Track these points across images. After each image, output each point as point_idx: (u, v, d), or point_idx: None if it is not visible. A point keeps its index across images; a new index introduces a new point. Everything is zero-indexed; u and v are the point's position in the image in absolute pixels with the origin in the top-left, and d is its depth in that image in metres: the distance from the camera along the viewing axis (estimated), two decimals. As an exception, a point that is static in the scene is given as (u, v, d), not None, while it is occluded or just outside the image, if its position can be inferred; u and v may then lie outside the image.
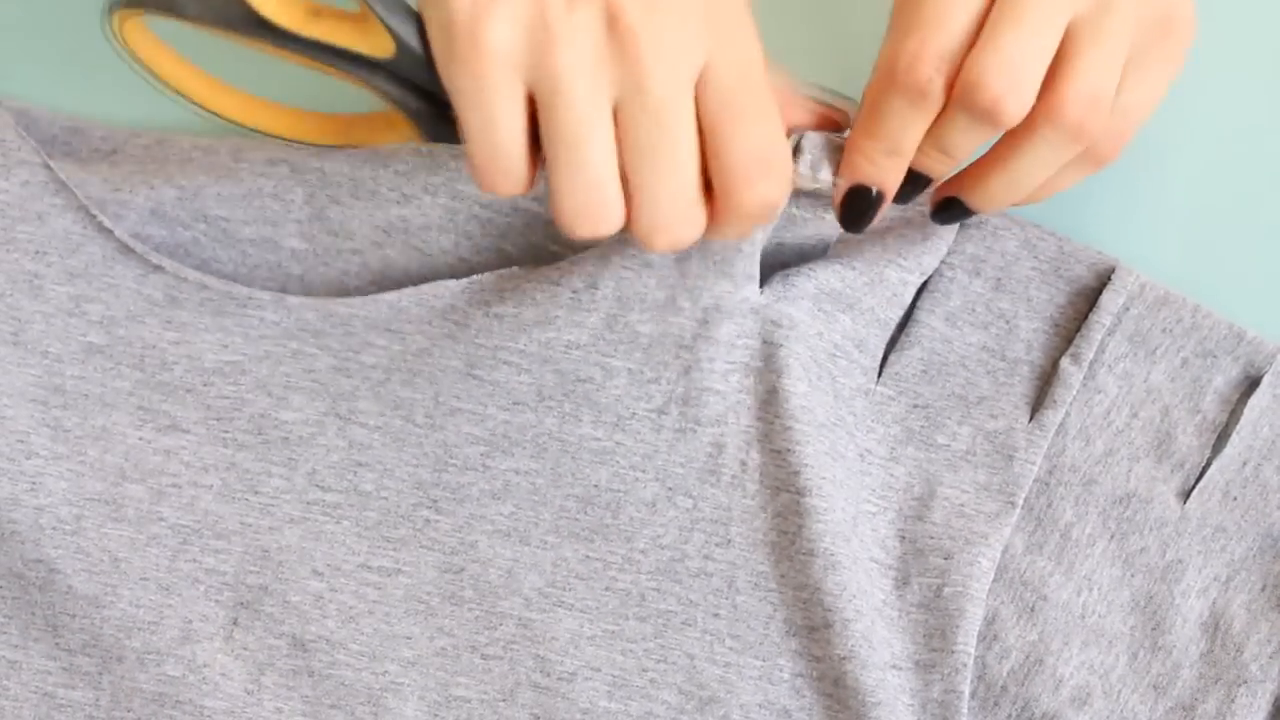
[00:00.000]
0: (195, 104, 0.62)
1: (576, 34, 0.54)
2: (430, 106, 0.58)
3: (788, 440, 0.64)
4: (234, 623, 0.65)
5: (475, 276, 0.65)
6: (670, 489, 0.65)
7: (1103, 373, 0.67)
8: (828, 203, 0.62)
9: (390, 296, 0.65)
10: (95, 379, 0.66)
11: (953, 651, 0.64)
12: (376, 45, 0.57)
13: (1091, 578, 0.66)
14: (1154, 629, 0.65)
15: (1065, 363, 0.66)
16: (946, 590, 0.64)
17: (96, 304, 0.66)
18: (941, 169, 0.60)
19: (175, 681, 0.65)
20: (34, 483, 0.65)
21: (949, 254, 0.68)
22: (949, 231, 0.67)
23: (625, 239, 0.64)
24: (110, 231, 0.66)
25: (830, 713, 0.64)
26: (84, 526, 0.65)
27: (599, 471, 0.65)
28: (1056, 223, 0.69)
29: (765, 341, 0.64)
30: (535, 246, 0.67)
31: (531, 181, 0.57)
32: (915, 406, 0.67)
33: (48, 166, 0.66)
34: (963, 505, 0.65)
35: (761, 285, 0.65)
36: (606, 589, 0.65)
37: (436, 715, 0.65)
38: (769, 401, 0.64)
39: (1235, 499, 0.66)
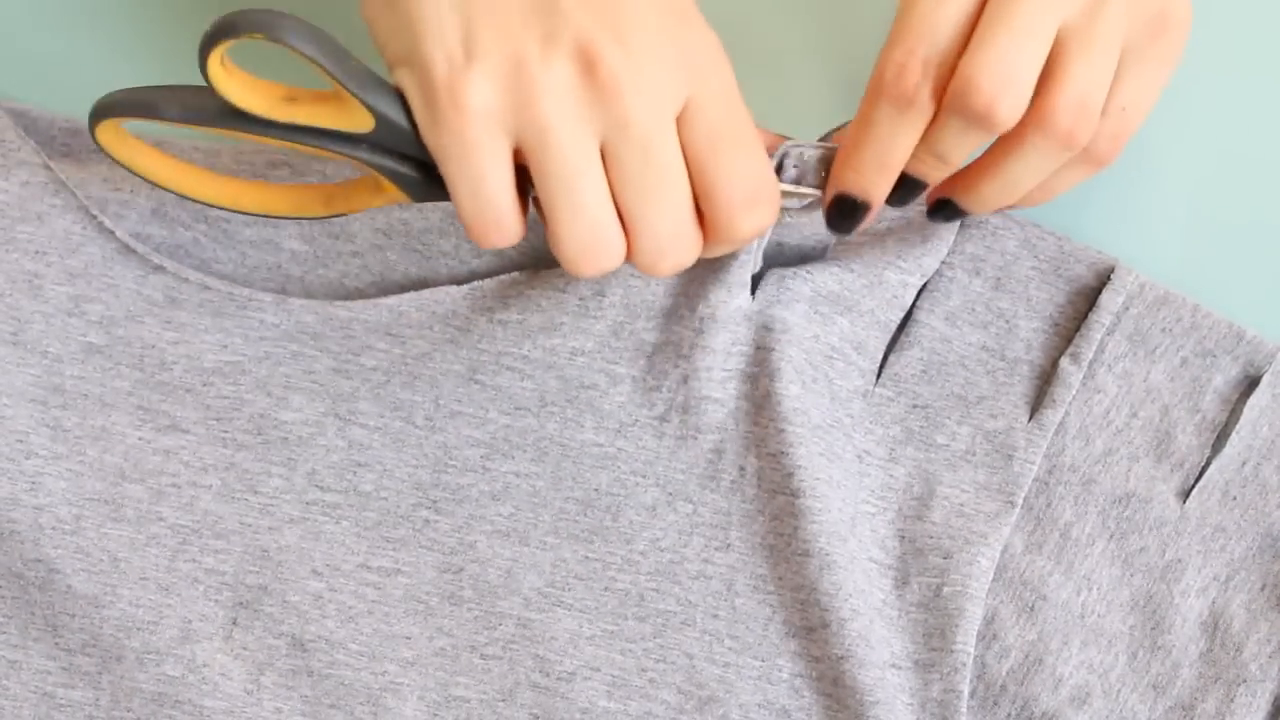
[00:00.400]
0: (181, 195, 0.63)
1: (555, 83, 0.55)
2: (418, 173, 0.59)
3: (781, 443, 0.64)
4: (233, 622, 0.65)
5: (477, 282, 0.65)
6: (671, 494, 0.65)
7: (1102, 372, 0.67)
8: (818, 203, 0.62)
9: (391, 301, 0.65)
10: (95, 379, 0.66)
11: (952, 651, 0.64)
12: (355, 121, 0.57)
13: (1091, 577, 0.66)
14: (1153, 628, 0.65)
15: (1065, 362, 0.66)
16: (946, 590, 0.64)
17: (96, 304, 0.66)
18: (936, 175, 0.60)
19: (175, 681, 0.65)
20: (33, 482, 0.65)
21: (949, 254, 0.68)
22: (949, 233, 0.67)
23: None
24: (111, 232, 0.66)
25: (829, 712, 0.64)
26: (83, 526, 0.65)
27: (599, 476, 0.65)
28: (1056, 222, 0.69)
29: (759, 347, 0.64)
30: (536, 249, 0.67)
31: (524, 231, 0.58)
32: (915, 407, 0.67)
33: (48, 167, 0.66)
34: (962, 505, 0.65)
35: (756, 287, 0.65)
36: (606, 589, 0.65)
37: (436, 715, 0.65)
38: (764, 405, 0.64)
39: (1235, 498, 0.66)
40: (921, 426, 0.66)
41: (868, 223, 0.61)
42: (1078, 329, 0.67)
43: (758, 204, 0.58)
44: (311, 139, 0.58)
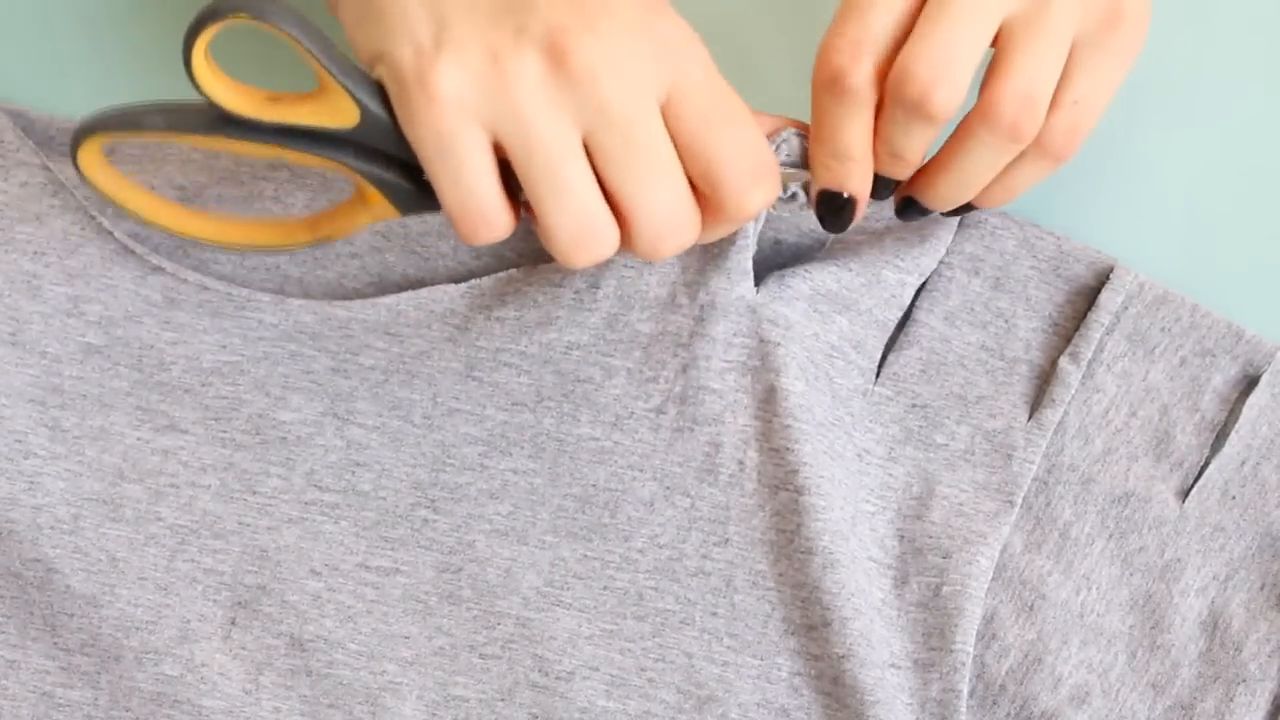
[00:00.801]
0: (164, 229, 0.63)
1: (528, 73, 0.55)
2: (403, 178, 0.58)
3: (786, 439, 0.63)
4: (232, 622, 0.65)
5: (474, 281, 0.65)
6: (668, 488, 0.65)
7: (1101, 372, 0.67)
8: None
9: (389, 300, 0.65)
10: (93, 379, 0.66)
11: (951, 650, 0.64)
12: (340, 116, 0.57)
13: (1090, 577, 0.66)
14: (1153, 628, 0.65)
15: (1064, 362, 0.66)
16: (945, 589, 0.64)
17: (95, 304, 0.66)
18: (895, 169, 0.61)
19: (173, 681, 0.65)
20: (32, 482, 0.65)
21: (948, 253, 0.68)
22: (947, 232, 0.67)
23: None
24: (110, 233, 0.66)
25: (829, 711, 0.64)
26: (82, 526, 0.65)
27: (597, 471, 0.65)
28: (1056, 222, 0.69)
29: (762, 340, 0.64)
30: (534, 251, 0.67)
31: (513, 225, 0.57)
32: (914, 406, 0.66)
33: (47, 168, 0.66)
34: (961, 504, 0.65)
35: (758, 285, 0.65)
36: (604, 588, 0.65)
37: (435, 715, 0.65)
38: (767, 400, 0.64)
39: (1234, 498, 0.66)
40: (920, 426, 0.66)
41: (856, 218, 0.61)
42: (1077, 328, 0.67)
43: (760, 178, 0.57)
44: (298, 142, 0.58)
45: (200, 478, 0.66)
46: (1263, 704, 0.65)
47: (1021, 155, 0.61)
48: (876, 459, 0.66)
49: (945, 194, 0.62)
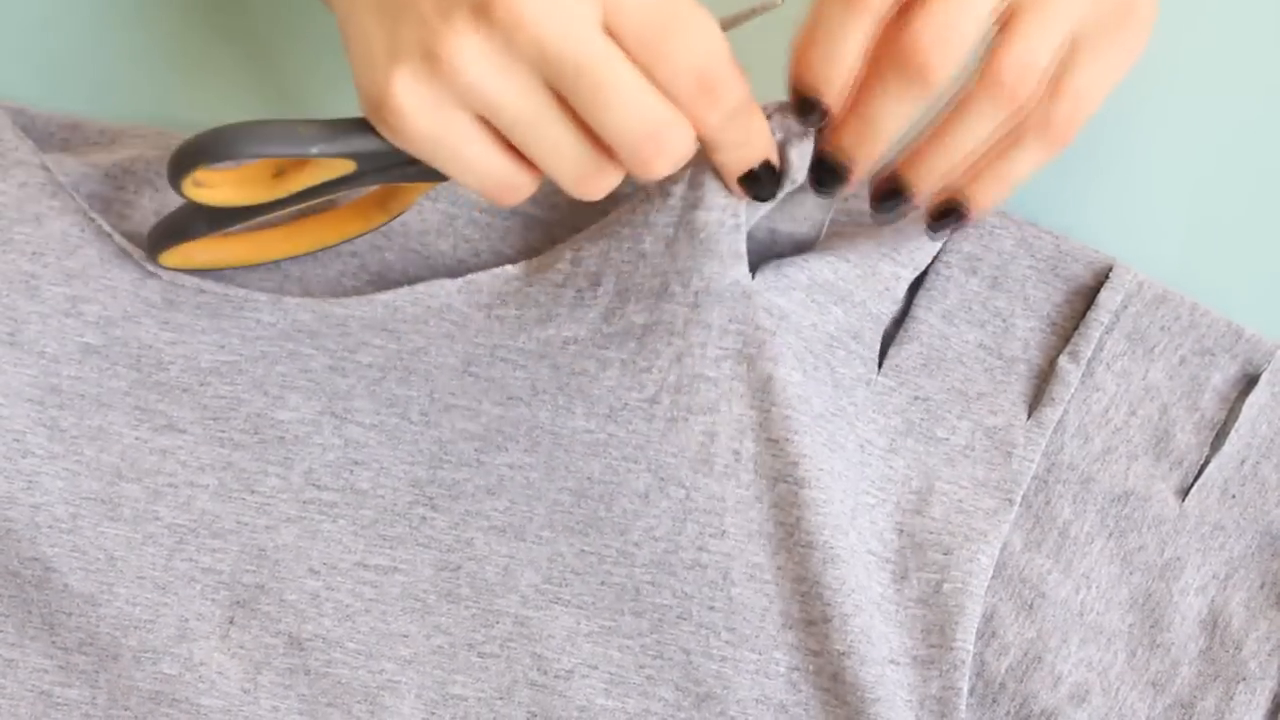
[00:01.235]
0: (263, 261, 0.66)
1: (464, 48, 0.55)
2: (418, 166, 0.59)
3: (785, 429, 0.63)
4: (230, 621, 0.65)
5: (471, 277, 0.65)
6: (662, 479, 0.64)
7: (1101, 370, 0.67)
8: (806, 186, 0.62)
9: (386, 296, 0.65)
10: (91, 379, 0.66)
11: (952, 648, 0.64)
12: (342, 168, 0.59)
13: (1090, 575, 0.66)
14: (1152, 626, 0.65)
15: (1063, 360, 0.66)
16: (946, 586, 0.64)
17: (93, 305, 0.66)
18: (863, 143, 0.61)
19: (172, 680, 0.65)
20: (30, 481, 0.65)
21: (946, 252, 0.68)
22: None
23: (621, 223, 0.64)
24: (109, 235, 0.66)
25: (828, 708, 0.64)
26: (80, 525, 0.65)
27: (591, 464, 0.65)
28: (1055, 222, 0.69)
29: (758, 328, 0.64)
30: (533, 250, 0.67)
31: (538, 179, 0.58)
32: (916, 399, 0.66)
33: (45, 168, 0.66)
34: (961, 501, 0.65)
35: (753, 274, 0.65)
36: (602, 584, 0.65)
37: (433, 714, 0.65)
38: (764, 390, 0.64)
39: (1234, 497, 0.66)
40: (922, 419, 0.66)
41: (851, 185, 0.61)
42: (1075, 328, 0.67)
43: (720, 80, 0.56)
44: (313, 196, 0.60)
45: (198, 477, 0.66)
46: (1263, 702, 0.65)
47: (1020, 140, 0.61)
48: (878, 450, 0.66)
49: (935, 165, 0.61)
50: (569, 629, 0.65)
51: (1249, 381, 0.67)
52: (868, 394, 0.66)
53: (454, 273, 0.67)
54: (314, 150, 0.57)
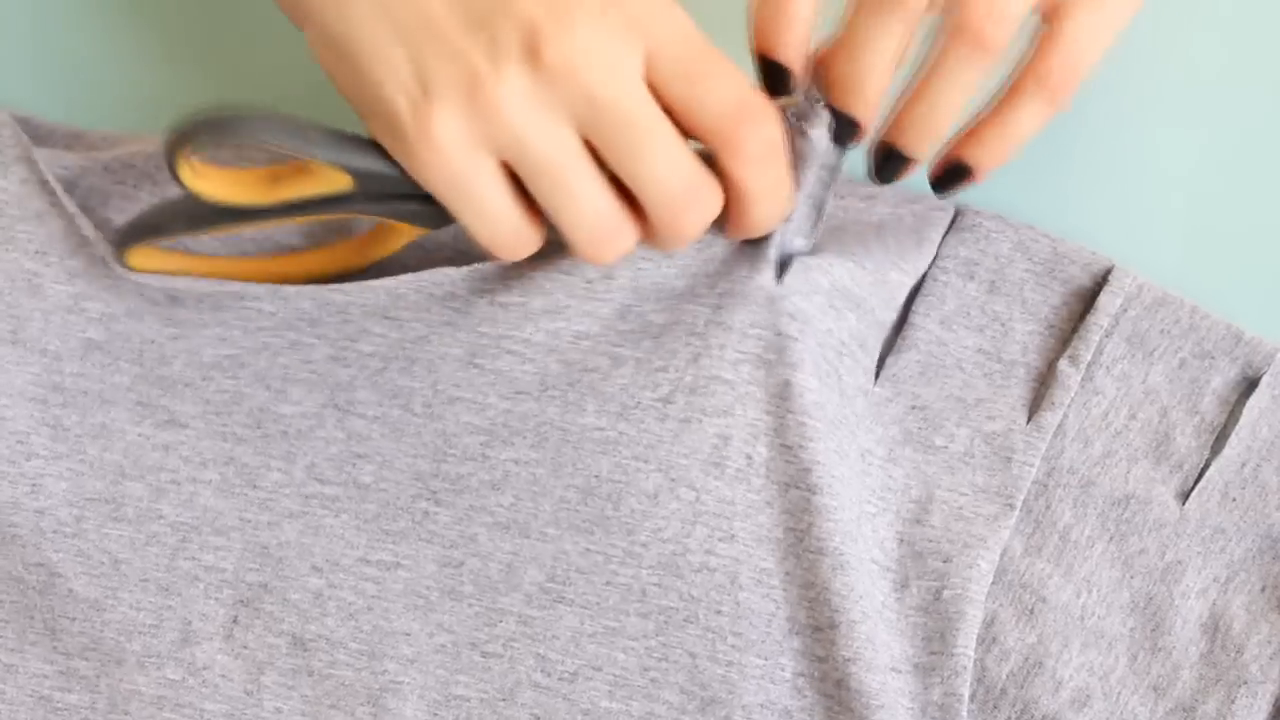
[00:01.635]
0: (226, 278, 0.65)
1: (512, 90, 0.55)
2: (421, 204, 0.59)
3: (801, 436, 0.63)
4: (234, 621, 0.65)
5: (477, 264, 0.65)
6: (673, 480, 0.64)
7: (1100, 374, 0.67)
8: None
9: (388, 283, 0.64)
10: (94, 375, 0.66)
11: (952, 654, 0.64)
12: (340, 183, 0.58)
13: (1091, 579, 0.66)
14: (1154, 630, 0.65)
15: (1063, 364, 0.66)
16: (946, 593, 0.64)
17: (96, 302, 0.66)
18: (925, 131, 0.61)
19: (175, 685, 0.65)
20: (34, 485, 0.65)
21: (942, 258, 0.68)
22: (937, 234, 0.67)
23: None
24: (98, 237, 0.66)
25: (831, 714, 0.64)
26: (84, 528, 0.65)
27: (600, 462, 0.64)
28: (1055, 222, 0.69)
29: (778, 334, 0.63)
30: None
31: (543, 236, 0.59)
32: (913, 408, 0.66)
33: (43, 172, 0.66)
34: (961, 508, 0.65)
35: (782, 273, 0.64)
36: (607, 583, 0.65)
37: (436, 715, 0.65)
38: (781, 395, 0.63)
39: (1234, 500, 0.66)
40: (920, 428, 0.66)
41: (864, 136, 0.62)
42: (1074, 331, 0.67)
43: (754, 115, 0.57)
44: (308, 210, 0.59)
45: (200, 473, 0.66)
46: (1264, 706, 0.65)
47: (1018, 95, 0.61)
48: (878, 460, 0.66)
49: (919, 122, 0.62)
50: (573, 629, 0.65)
51: (1249, 384, 0.67)
52: (866, 404, 0.66)
53: (454, 262, 0.67)
54: (318, 153, 0.57)
